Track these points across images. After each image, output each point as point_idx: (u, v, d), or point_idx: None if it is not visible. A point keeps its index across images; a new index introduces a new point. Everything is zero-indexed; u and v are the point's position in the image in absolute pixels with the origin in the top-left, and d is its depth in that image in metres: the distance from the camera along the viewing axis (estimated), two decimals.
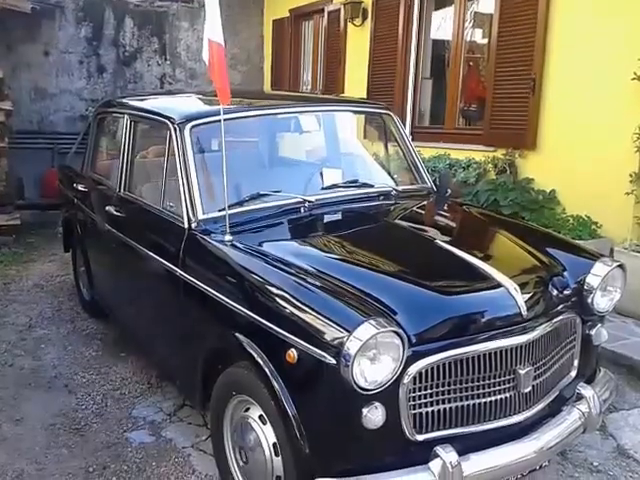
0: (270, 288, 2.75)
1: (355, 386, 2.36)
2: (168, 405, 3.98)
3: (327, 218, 3.56)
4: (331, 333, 2.42)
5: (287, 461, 2.64)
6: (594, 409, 2.91)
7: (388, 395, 2.45)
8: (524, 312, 2.70)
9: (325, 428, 2.54)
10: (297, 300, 2.61)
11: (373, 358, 2.40)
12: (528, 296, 2.77)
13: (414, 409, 2.54)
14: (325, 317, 2.48)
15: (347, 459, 2.54)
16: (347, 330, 2.36)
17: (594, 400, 2.93)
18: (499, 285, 2.75)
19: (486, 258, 2.98)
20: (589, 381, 3.15)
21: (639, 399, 4.01)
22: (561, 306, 2.96)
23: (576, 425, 2.87)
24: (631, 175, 5.29)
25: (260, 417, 2.79)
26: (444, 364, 2.55)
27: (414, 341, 2.49)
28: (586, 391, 2.95)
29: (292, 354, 2.51)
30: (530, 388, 2.75)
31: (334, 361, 2.38)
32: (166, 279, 3.42)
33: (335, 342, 2.38)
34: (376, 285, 2.70)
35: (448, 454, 2.50)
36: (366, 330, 2.35)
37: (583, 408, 2.90)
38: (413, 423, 2.55)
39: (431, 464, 2.51)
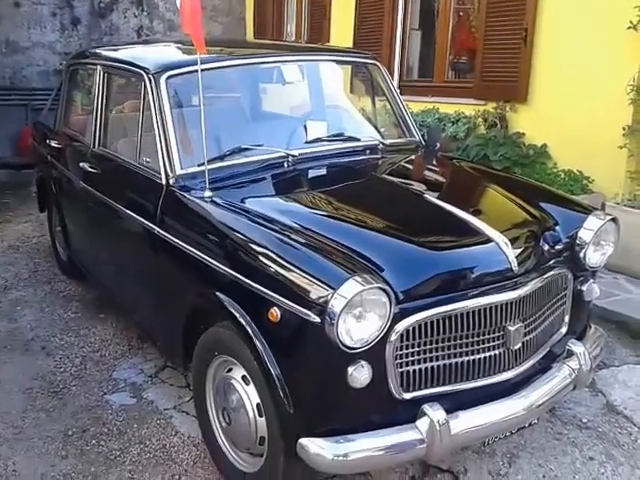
0: (252, 245, 2.64)
1: (340, 345, 2.27)
2: (149, 367, 3.90)
3: (311, 173, 3.43)
4: (315, 291, 2.32)
5: (271, 422, 2.57)
6: (585, 366, 2.84)
7: (374, 353, 2.37)
8: (515, 267, 2.61)
9: (310, 388, 2.46)
10: (280, 257, 2.50)
11: (359, 316, 2.31)
12: (519, 251, 2.67)
13: (401, 367, 2.47)
14: (309, 274, 2.37)
15: (332, 419, 2.47)
16: (332, 287, 2.27)
17: (585, 357, 2.86)
18: (489, 240, 2.65)
19: (476, 212, 2.86)
20: (580, 337, 3.07)
21: (629, 355, 3.97)
22: (552, 261, 2.87)
23: (566, 382, 2.81)
24: (624, 128, 5.18)
25: (243, 378, 2.71)
26: (432, 321, 2.47)
27: (401, 298, 2.41)
28: (576, 347, 2.88)
29: (275, 313, 2.41)
30: (520, 345, 2.67)
31: (318, 319, 2.28)
32: (144, 238, 3.29)
33: (319, 300, 2.29)
34: (362, 241, 2.60)
35: (435, 412, 2.43)
36: (351, 287, 2.25)
37: (573, 365, 2.83)
38: (400, 381, 2.48)
39: (418, 422, 2.44)
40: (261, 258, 2.56)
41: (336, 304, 2.23)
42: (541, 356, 2.84)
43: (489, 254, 2.63)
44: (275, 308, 2.41)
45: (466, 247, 2.66)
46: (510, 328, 2.61)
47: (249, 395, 2.68)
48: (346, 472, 2.69)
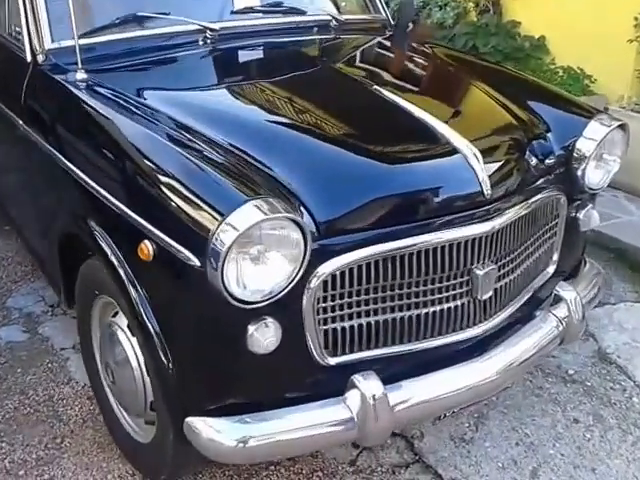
0: (129, 152, 1.92)
1: (230, 298, 1.61)
2: (52, 293, 3.17)
3: (235, 57, 2.66)
4: (196, 219, 1.64)
5: (156, 388, 1.97)
6: (575, 314, 2.19)
7: (286, 306, 1.73)
8: (487, 190, 1.91)
9: (197, 351, 1.83)
10: (158, 170, 1.80)
11: (257, 257, 1.64)
12: (495, 167, 1.97)
13: (325, 324, 1.82)
14: (193, 195, 1.68)
15: (231, 392, 1.85)
16: (220, 214, 1.58)
17: (576, 303, 2.20)
18: (454, 151, 1.94)
19: (443, 114, 2.13)
20: (572, 276, 2.44)
21: (627, 291, 3.30)
22: (541, 180, 2.17)
23: (552, 335, 2.16)
24: (636, 18, 4.40)
25: (129, 326, 2.06)
26: (369, 263, 1.79)
27: (326, 231, 1.74)
28: (566, 292, 2.22)
29: (145, 249, 1.75)
30: (491, 293, 2.01)
31: (198, 262, 1.61)
32: (12, 134, 2.54)
33: (200, 233, 1.61)
34: (279, 152, 1.91)
35: (369, 383, 1.81)
36: (246, 215, 1.57)
37: (561, 313, 2.18)
38: (324, 343, 1.84)
39: (347, 396, 1.82)
40: (137, 171, 1.86)
41: (223, 239, 1.55)
42: (521, 303, 2.20)
43: (452, 171, 1.93)
44: (146, 242, 1.74)
45: (421, 160, 1.96)
46: (478, 272, 1.94)
47: (135, 349, 2.04)
48: (250, 462, 2.05)
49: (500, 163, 2.00)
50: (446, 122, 2.03)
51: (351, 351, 1.88)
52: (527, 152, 2.14)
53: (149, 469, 2.21)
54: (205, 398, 1.83)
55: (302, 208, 1.73)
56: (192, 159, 1.78)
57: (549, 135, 2.27)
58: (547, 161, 2.20)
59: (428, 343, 1.97)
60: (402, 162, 1.94)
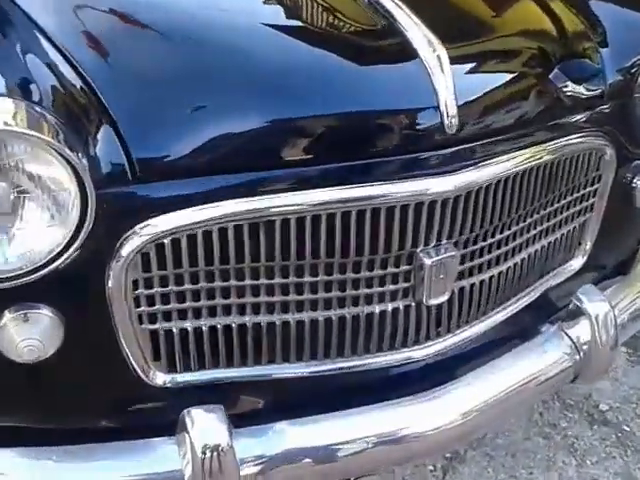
0: None
1: None
2: None
3: None
4: None
5: None
6: (602, 336, 1.37)
7: (75, 289, 1.04)
8: (451, 120, 1.11)
9: None
10: None
11: None
12: (478, 85, 1.18)
13: (153, 322, 1.12)
14: None
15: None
16: None
17: (607, 321, 1.38)
18: (410, 53, 1.13)
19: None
20: (618, 274, 1.62)
21: None
22: (575, 118, 1.33)
23: (559, 367, 1.37)
24: None
25: None
26: (225, 229, 1.06)
27: (150, 172, 1.04)
28: (590, 303, 1.39)
29: None
30: (447, 296, 1.22)
31: None
32: None
33: None
34: (110, 46, 1.17)
35: (205, 425, 1.11)
36: None
37: (580, 334, 1.38)
38: (152, 351, 1.14)
39: (178, 440, 1.13)
40: None
41: None
42: (513, 312, 1.40)
43: (397, 84, 1.14)
44: None
45: (347, 62, 1.16)
46: (425, 261, 1.16)
47: None
48: None
49: (487, 79, 1.19)
50: (418, 11, 1.21)
51: (201, 367, 1.17)
52: (555, 70, 1.30)
53: None
54: None
55: (112, 132, 1.02)
56: None
57: (604, 50, 1.41)
58: (589, 88, 1.35)
59: (331, 365, 1.23)
60: (307, 62, 1.14)
